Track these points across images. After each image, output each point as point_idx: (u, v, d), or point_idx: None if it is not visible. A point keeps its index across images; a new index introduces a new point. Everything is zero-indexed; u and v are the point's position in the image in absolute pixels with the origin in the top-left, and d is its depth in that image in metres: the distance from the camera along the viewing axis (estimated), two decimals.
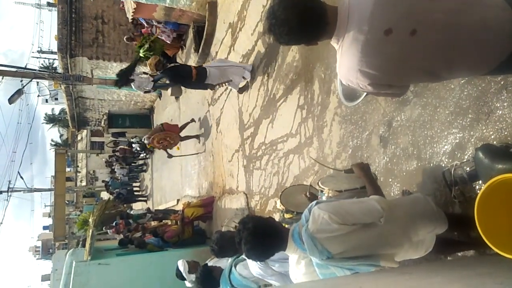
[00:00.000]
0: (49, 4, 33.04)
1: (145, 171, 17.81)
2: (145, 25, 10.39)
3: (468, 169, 2.10)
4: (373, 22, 1.34)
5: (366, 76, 1.43)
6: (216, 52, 8.05)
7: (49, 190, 29.21)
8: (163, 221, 10.25)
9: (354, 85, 1.51)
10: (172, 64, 6.62)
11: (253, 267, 2.82)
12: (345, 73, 1.49)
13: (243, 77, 6.08)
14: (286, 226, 2.90)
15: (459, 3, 1.35)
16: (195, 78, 5.85)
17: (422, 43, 1.36)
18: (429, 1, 1.36)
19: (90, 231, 7.87)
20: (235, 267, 3.12)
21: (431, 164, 2.68)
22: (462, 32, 1.35)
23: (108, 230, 10.90)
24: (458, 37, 1.35)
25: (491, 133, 2.27)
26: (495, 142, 2.20)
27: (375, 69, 1.40)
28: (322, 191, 2.36)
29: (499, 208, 1.67)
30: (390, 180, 3.08)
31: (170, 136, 8.84)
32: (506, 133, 2.18)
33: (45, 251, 43.26)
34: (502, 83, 2.22)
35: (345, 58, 1.45)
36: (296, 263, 1.91)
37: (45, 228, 44.77)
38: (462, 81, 2.47)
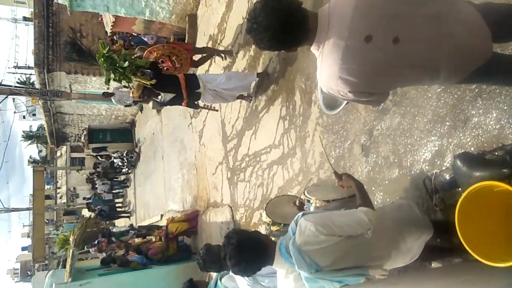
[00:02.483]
0: (25, 18, 32.50)
1: (127, 186, 17.49)
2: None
3: (447, 176, 2.13)
4: (353, 29, 1.35)
5: (347, 84, 1.42)
6: None
7: (27, 209, 28.30)
8: (147, 237, 10.04)
9: (334, 92, 1.50)
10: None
11: (242, 284, 2.76)
12: (326, 80, 1.48)
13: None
14: (273, 239, 2.88)
15: (437, 11, 1.38)
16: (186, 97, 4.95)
17: (404, 51, 1.38)
18: (409, 7, 1.37)
19: (71, 251, 7.62)
20: (220, 280, 3.06)
21: (412, 172, 2.71)
22: (443, 39, 1.38)
23: (90, 249, 10.61)
24: (439, 45, 1.38)
25: (468, 139, 2.32)
26: (472, 149, 2.24)
27: (355, 76, 1.40)
28: (309, 201, 2.34)
29: (478, 215, 1.70)
30: (373, 188, 3.09)
31: (177, 52, 5.72)
32: (482, 139, 2.23)
33: (24, 273, 41.69)
34: (476, 91, 2.28)
35: (325, 65, 1.44)
36: (284, 277, 1.87)
37: (23, 249, 43.21)
38: (439, 90, 2.53)
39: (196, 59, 6.25)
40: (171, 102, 5.10)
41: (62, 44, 11.99)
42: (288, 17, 1.38)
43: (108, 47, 4.81)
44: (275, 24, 1.36)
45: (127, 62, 4.68)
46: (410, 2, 1.39)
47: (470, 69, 1.45)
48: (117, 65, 4.72)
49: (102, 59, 4.74)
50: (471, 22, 1.43)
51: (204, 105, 5.66)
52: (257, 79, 5.18)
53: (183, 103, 5.06)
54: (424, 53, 1.40)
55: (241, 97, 5.44)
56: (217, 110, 6.28)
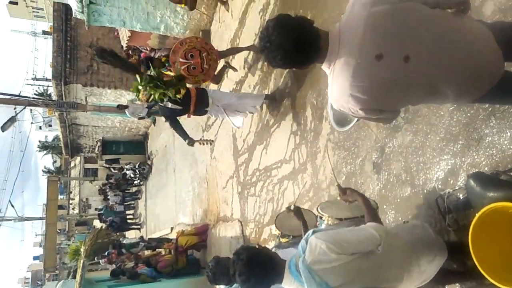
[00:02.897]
0: (44, 32, 33.59)
1: (139, 198, 17.60)
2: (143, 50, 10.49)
3: (461, 196, 2.10)
4: (363, 47, 1.36)
5: (358, 101, 1.43)
6: None
7: (40, 219, 28.65)
8: (157, 250, 10.04)
9: (345, 109, 1.51)
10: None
11: None
12: (337, 97, 1.50)
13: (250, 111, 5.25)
14: (282, 251, 2.85)
15: (447, 29, 1.39)
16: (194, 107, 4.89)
17: (415, 70, 1.38)
18: (419, 27, 1.39)
19: (81, 261, 7.66)
20: None
21: (425, 191, 2.68)
22: (453, 58, 1.38)
23: (100, 260, 10.66)
24: (450, 63, 1.38)
25: (482, 159, 2.28)
26: (486, 169, 2.20)
27: (366, 94, 1.41)
28: (321, 218, 2.32)
29: (493, 237, 1.66)
30: (384, 206, 3.06)
31: (208, 49, 5.18)
32: (497, 159, 2.19)
33: (34, 282, 41.96)
34: (490, 109, 2.26)
35: (336, 83, 1.46)
36: None
37: (35, 258, 43.62)
38: (451, 108, 2.51)
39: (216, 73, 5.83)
40: (174, 112, 4.91)
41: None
42: (301, 35, 1.40)
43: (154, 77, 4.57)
44: (288, 43, 1.38)
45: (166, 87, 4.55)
46: (419, 22, 1.40)
47: (482, 90, 1.45)
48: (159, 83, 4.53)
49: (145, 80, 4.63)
50: (482, 41, 1.43)
51: (200, 139, 5.46)
52: (266, 100, 5.20)
53: (187, 115, 4.99)
54: (434, 72, 1.40)
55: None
56: (212, 141, 5.78)
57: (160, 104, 4.88)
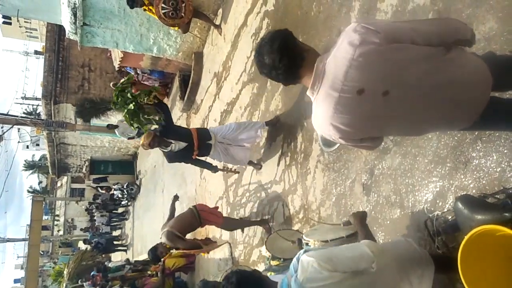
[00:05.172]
0: (36, 52, 33.66)
1: (126, 219, 17.27)
2: (131, 73, 10.60)
3: (449, 218, 2.11)
4: (346, 82, 1.43)
5: (338, 131, 1.51)
6: (202, 100, 8.20)
7: (23, 240, 27.82)
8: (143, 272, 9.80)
9: (327, 136, 1.60)
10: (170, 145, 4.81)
11: None
12: (319, 124, 1.58)
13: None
14: (273, 274, 2.81)
15: (429, 66, 1.44)
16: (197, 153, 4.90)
17: (393, 104, 1.45)
18: (401, 66, 1.44)
19: (64, 284, 7.42)
20: None
21: (414, 212, 2.69)
22: (433, 94, 1.44)
23: (84, 283, 10.33)
24: (430, 98, 1.44)
25: (470, 181, 2.31)
26: (474, 191, 2.23)
27: (346, 125, 1.49)
28: (307, 244, 2.31)
29: (481, 259, 1.67)
30: (374, 228, 3.05)
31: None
32: (484, 182, 2.23)
33: None
34: (476, 133, 2.31)
35: (319, 111, 1.54)
36: None
37: (16, 281, 42.08)
38: (438, 132, 2.56)
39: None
40: (181, 155, 4.91)
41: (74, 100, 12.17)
42: (288, 40, 1.54)
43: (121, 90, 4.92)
44: (281, 37, 1.52)
45: (132, 104, 4.79)
46: (403, 61, 1.44)
47: (463, 124, 1.50)
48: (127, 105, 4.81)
49: (117, 101, 4.89)
50: (467, 76, 1.48)
51: (224, 167, 5.49)
52: (266, 127, 5.09)
53: (193, 155, 4.92)
54: (413, 107, 1.47)
55: (251, 163, 5.33)
56: (238, 172, 5.85)
57: (164, 150, 4.87)
